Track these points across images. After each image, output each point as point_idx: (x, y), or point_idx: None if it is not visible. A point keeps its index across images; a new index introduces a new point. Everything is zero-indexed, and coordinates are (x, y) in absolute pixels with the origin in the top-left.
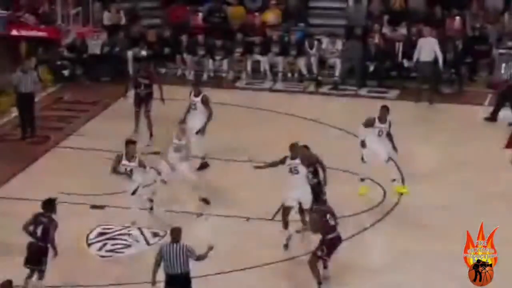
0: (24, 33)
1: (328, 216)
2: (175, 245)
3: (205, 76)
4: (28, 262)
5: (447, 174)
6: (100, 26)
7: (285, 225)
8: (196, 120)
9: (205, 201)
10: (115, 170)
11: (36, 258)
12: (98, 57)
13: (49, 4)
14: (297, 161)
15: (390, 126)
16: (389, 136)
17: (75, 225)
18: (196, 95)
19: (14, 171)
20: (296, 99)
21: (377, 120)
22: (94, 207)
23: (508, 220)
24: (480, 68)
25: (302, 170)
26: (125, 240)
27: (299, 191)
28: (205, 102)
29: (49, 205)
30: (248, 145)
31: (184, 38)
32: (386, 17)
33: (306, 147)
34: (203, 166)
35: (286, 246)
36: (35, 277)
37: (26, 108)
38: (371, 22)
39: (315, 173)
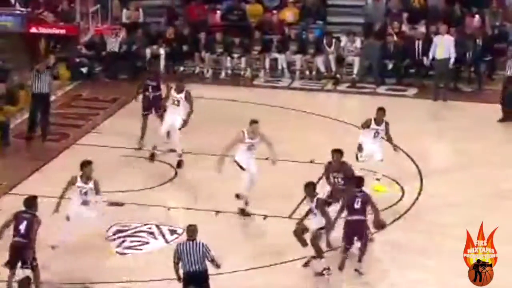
0: (43, 30)
1: (357, 200)
2: (191, 242)
3: (223, 74)
4: (11, 262)
5: (465, 171)
6: (119, 23)
7: (303, 243)
8: (177, 116)
9: (242, 202)
10: (62, 195)
11: (20, 257)
12: (116, 54)
13: (68, 2)
14: (314, 204)
15: (387, 127)
16: (388, 138)
17: (93, 222)
18: (179, 92)
19: (33, 168)
20: (314, 97)
21: (373, 122)
22: (112, 204)
23: None
24: (499, 67)
25: (319, 213)
26: (143, 237)
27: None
28: (188, 98)
29: (31, 202)
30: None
31: (202, 36)
32: (405, 15)
33: (339, 151)
34: (180, 164)
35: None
36: (32, 276)
37: (40, 108)
38: (390, 20)
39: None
